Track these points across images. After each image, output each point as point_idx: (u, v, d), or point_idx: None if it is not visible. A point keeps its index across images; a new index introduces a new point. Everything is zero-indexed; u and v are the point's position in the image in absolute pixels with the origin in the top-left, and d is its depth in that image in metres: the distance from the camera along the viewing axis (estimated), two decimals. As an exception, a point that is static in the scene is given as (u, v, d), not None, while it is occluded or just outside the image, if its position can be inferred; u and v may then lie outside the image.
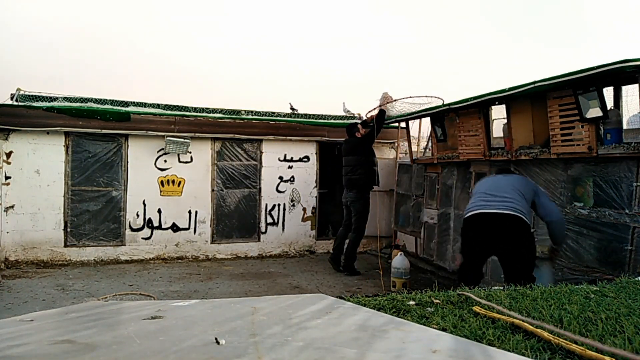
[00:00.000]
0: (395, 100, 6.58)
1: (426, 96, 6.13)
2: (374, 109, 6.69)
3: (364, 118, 7.15)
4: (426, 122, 6.74)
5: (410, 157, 6.84)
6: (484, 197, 3.62)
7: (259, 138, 7.60)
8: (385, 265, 6.26)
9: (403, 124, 7.08)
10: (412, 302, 1.90)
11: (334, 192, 7.91)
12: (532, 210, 3.61)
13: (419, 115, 6.34)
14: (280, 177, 7.80)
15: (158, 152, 7.12)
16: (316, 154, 7.99)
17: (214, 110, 7.72)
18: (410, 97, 6.48)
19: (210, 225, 7.46)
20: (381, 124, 6.54)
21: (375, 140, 6.54)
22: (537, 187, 3.77)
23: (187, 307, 1.48)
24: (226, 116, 7.59)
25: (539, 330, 1.44)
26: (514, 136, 4.64)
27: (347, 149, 6.70)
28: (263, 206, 7.73)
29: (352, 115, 8.55)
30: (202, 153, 7.37)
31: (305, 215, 7.98)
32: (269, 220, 7.78)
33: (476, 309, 1.76)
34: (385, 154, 8.35)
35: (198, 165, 7.35)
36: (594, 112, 3.69)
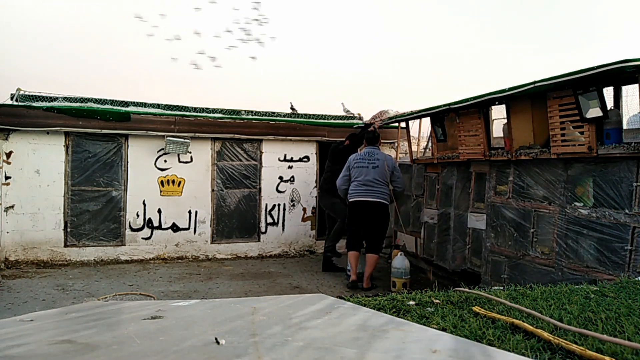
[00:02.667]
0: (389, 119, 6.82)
1: None
2: (374, 121, 6.85)
3: (367, 121, 7.23)
4: (426, 122, 6.74)
5: (410, 157, 6.83)
6: (361, 188, 5.56)
7: (259, 138, 7.60)
8: (385, 265, 6.25)
9: (403, 124, 7.08)
10: (412, 302, 1.91)
11: (334, 192, 7.92)
12: (389, 188, 5.63)
13: (419, 115, 6.35)
14: (280, 177, 7.80)
15: (158, 152, 7.12)
16: (316, 154, 7.99)
17: (214, 110, 7.71)
18: (412, 112, 6.57)
19: (210, 225, 7.46)
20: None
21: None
22: (395, 165, 5.72)
23: (187, 307, 1.48)
24: (226, 116, 7.59)
25: (539, 330, 1.44)
26: (514, 136, 4.63)
27: (329, 152, 6.86)
28: (263, 206, 7.73)
29: (352, 115, 8.55)
30: (202, 153, 7.36)
31: (305, 215, 7.98)
32: (269, 220, 7.78)
33: (476, 309, 1.76)
34: (385, 154, 8.35)
35: (198, 165, 7.35)
36: (594, 112, 3.68)
